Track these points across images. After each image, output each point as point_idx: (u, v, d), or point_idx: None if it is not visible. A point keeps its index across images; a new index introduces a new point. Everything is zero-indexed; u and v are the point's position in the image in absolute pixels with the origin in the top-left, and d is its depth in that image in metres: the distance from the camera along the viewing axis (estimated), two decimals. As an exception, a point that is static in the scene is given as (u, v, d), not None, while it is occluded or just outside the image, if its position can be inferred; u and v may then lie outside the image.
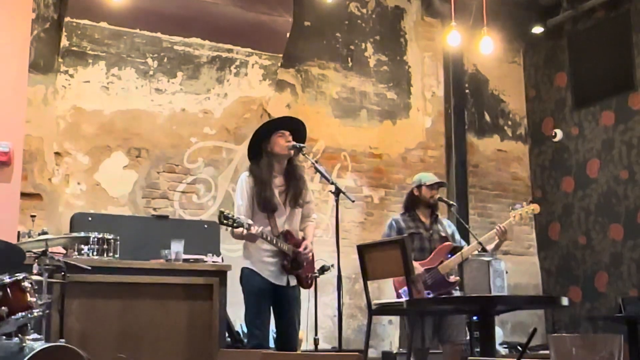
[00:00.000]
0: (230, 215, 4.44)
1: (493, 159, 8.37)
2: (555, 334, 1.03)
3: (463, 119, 8.14)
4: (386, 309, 4.78)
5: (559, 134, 8.24)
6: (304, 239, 4.81)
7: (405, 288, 4.67)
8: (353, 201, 5.21)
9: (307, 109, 7.33)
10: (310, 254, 4.79)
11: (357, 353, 2.30)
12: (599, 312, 7.59)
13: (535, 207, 5.03)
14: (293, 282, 4.74)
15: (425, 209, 5.15)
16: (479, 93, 8.42)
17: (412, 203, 5.16)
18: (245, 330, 5.58)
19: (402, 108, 7.91)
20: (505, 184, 8.35)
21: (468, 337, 5.12)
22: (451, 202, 5.75)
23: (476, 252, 4.70)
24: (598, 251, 7.78)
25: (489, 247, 4.85)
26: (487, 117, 8.44)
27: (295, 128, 4.87)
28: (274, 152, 4.75)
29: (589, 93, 7.99)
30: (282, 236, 4.68)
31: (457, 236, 5.27)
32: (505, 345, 7.34)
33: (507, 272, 3.80)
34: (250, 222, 4.47)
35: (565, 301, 4.02)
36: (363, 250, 4.63)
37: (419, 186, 5.14)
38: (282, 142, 4.74)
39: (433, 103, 8.10)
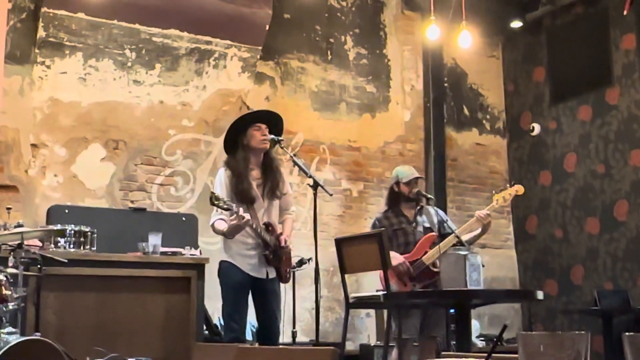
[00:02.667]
0: (221, 197, 4.48)
1: (471, 152, 8.40)
2: (524, 332, 1.04)
3: (442, 113, 8.17)
4: (363, 302, 4.79)
5: (537, 128, 8.29)
6: (282, 233, 4.82)
7: (392, 284, 4.70)
8: (331, 194, 5.22)
9: (287, 101, 7.32)
10: (289, 249, 4.81)
11: (333, 347, 2.30)
12: (575, 306, 7.66)
13: (519, 188, 5.00)
14: (272, 274, 4.76)
15: (407, 202, 5.13)
16: (457, 87, 8.45)
17: (394, 198, 5.14)
18: (223, 323, 5.60)
19: (382, 101, 7.92)
20: (483, 178, 8.39)
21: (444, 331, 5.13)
22: (429, 196, 5.76)
23: (454, 243, 4.70)
24: (574, 245, 7.85)
25: (470, 236, 4.85)
26: (466, 111, 8.48)
27: (272, 121, 4.88)
28: (250, 146, 4.77)
29: (567, 88, 8.05)
30: (264, 227, 4.71)
31: (449, 223, 5.17)
32: (482, 338, 7.39)
33: (483, 266, 3.82)
34: (241, 208, 4.49)
35: (540, 295, 4.06)
36: (341, 243, 4.63)
37: (397, 182, 5.13)
38: (259, 135, 4.76)
39: (412, 96, 8.12)
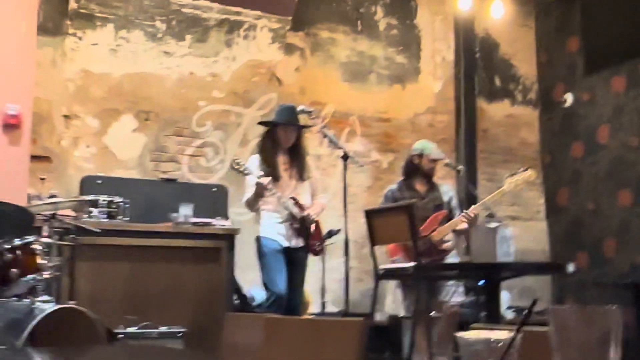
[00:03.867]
0: (241, 163, 4.85)
1: (503, 124, 8.32)
2: (554, 306, 1.04)
3: (473, 84, 8.08)
4: (393, 274, 4.80)
5: (569, 99, 8.18)
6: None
7: (399, 257, 4.75)
8: (361, 165, 5.25)
9: (316, 72, 7.30)
10: (314, 219, 5.06)
11: (361, 319, 2.32)
12: (607, 279, 7.60)
13: (532, 174, 5.01)
14: (300, 244, 5.04)
15: (422, 177, 5.15)
16: (489, 57, 8.35)
17: (410, 171, 5.16)
18: (255, 295, 5.70)
19: (412, 72, 7.86)
20: (514, 149, 8.31)
21: (463, 299, 5.15)
22: (459, 167, 5.74)
23: (465, 226, 4.77)
24: (606, 217, 7.77)
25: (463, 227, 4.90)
26: (498, 82, 8.38)
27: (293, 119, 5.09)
28: (278, 139, 5.06)
29: (601, 58, 7.91)
30: (292, 200, 4.96)
31: (454, 202, 5.25)
32: (513, 309, 7.38)
33: (513, 239, 3.80)
34: (260, 175, 4.81)
35: (570, 268, 4.04)
36: (370, 215, 4.64)
37: (421, 155, 5.12)
38: (283, 136, 5.05)
39: (443, 67, 8.04)
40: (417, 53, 7.92)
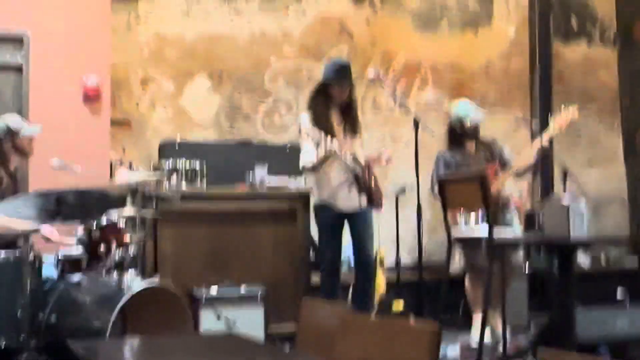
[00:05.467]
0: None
1: (579, 65, 8.10)
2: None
3: (548, 26, 7.85)
4: (465, 242, 4.86)
5: (650, 37, 7.89)
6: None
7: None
8: (433, 135, 5.24)
9: (387, 22, 7.23)
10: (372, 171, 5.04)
11: (434, 323, 2.40)
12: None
13: (574, 112, 5.00)
14: (364, 203, 5.03)
15: (468, 138, 5.27)
16: (565, -4, 8.08)
17: (454, 137, 5.22)
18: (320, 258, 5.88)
19: (484, 17, 7.69)
20: (592, 92, 8.10)
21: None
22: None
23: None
24: (687, 160, 7.57)
25: (524, 166, 5.08)
26: (574, 22, 8.12)
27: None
28: (331, 96, 5.03)
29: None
30: (352, 157, 4.95)
31: (506, 153, 5.37)
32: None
33: (586, 213, 3.80)
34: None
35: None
36: (444, 184, 4.68)
37: (461, 121, 5.17)
38: (338, 93, 5.02)
39: (516, 10, 7.83)
40: (489, -3, 7.73)
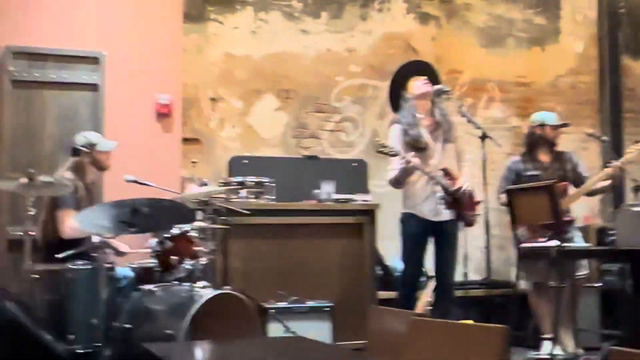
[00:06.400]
0: (386, 144, 4.65)
1: (651, 81, 7.96)
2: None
3: (617, 41, 7.76)
4: (535, 254, 4.81)
5: None
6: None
7: (522, 231, 4.78)
8: (499, 146, 5.22)
9: (452, 40, 7.25)
10: (467, 191, 4.87)
11: (504, 326, 2.39)
12: None
13: None
14: (451, 217, 4.88)
15: (545, 147, 5.18)
16: (634, 11, 7.96)
17: (533, 142, 5.16)
18: (397, 265, 5.83)
19: (551, 33, 7.64)
20: (663, 108, 7.95)
21: (587, 272, 5.13)
22: (603, 138, 5.61)
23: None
24: None
25: (599, 186, 4.97)
26: (644, 37, 8.00)
27: (426, 72, 4.95)
28: (414, 95, 4.89)
29: None
30: (442, 172, 4.85)
31: (581, 168, 5.26)
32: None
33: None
34: (408, 154, 4.64)
35: None
36: (512, 194, 4.65)
37: (542, 125, 5.11)
38: (419, 83, 4.90)
39: (585, 26, 7.76)
40: (556, 12, 7.68)
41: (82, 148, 4.81)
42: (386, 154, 4.64)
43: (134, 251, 4.75)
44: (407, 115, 4.86)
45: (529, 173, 5.10)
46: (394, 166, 4.81)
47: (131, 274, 4.57)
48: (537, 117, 5.25)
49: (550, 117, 5.18)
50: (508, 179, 5.16)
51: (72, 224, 4.47)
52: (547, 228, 4.70)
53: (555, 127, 5.10)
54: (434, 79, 5.00)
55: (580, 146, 7.38)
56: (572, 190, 5.15)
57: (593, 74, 7.73)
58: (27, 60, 5.41)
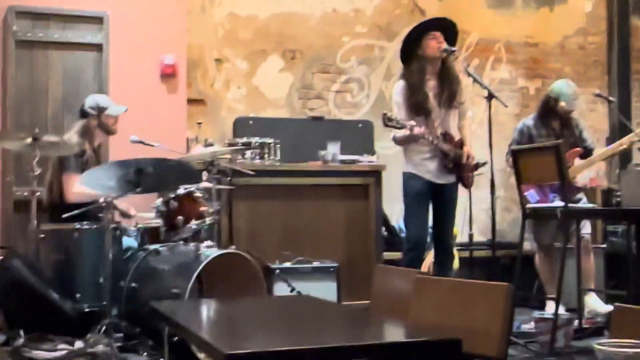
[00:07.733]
0: (393, 117, 4.56)
1: (660, 41, 7.87)
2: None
3: (626, 1, 7.66)
4: (540, 214, 4.80)
5: None
6: (462, 141, 4.87)
7: (532, 191, 4.76)
8: (506, 106, 5.18)
9: (459, 0, 7.16)
10: (472, 160, 4.88)
11: (508, 283, 2.39)
12: None
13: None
14: (452, 180, 4.86)
15: (557, 116, 5.15)
16: (645, -30, 7.85)
17: (546, 112, 5.14)
18: (402, 226, 5.82)
19: (560, -7, 7.56)
20: (672, 69, 7.87)
21: (590, 232, 5.18)
22: (610, 99, 5.56)
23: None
24: None
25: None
26: (654, -3, 7.89)
27: (447, 29, 4.85)
28: (425, 55, 4.78)
29: None
30: (441, 137, 4.78)
31: (585, 134, 5.28)
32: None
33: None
34: (412, 123, 4.59)
35: None
36: (517, 154, 4.63)
37: (557, 99, 5.10)
38: (434, 44, 4.76)
39: (594, -15, 7.66)
40: (566, -29, 7.57)
41: (90, 111, 4.80)
42: (393, 127, 4.58)
43: (142, 214, 4.76)
44: (414, 74, 4.78)
45: (542, 139, 5.07)
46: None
47: (135, 244, 4.57)
48: (556, 89, 5.20)
49: (567, 95, 5.12)
50: (520, 144, 5.12)
51: (76, 188, 4.48)
52: (554, 192, 4.73)
53: (571, 105, 5.11)
54: (451, 39, 4.85)
55: (588, 107, 7.35)
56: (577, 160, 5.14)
57: (602, 34, 7.64)
58: (31, 20, 5.39)
